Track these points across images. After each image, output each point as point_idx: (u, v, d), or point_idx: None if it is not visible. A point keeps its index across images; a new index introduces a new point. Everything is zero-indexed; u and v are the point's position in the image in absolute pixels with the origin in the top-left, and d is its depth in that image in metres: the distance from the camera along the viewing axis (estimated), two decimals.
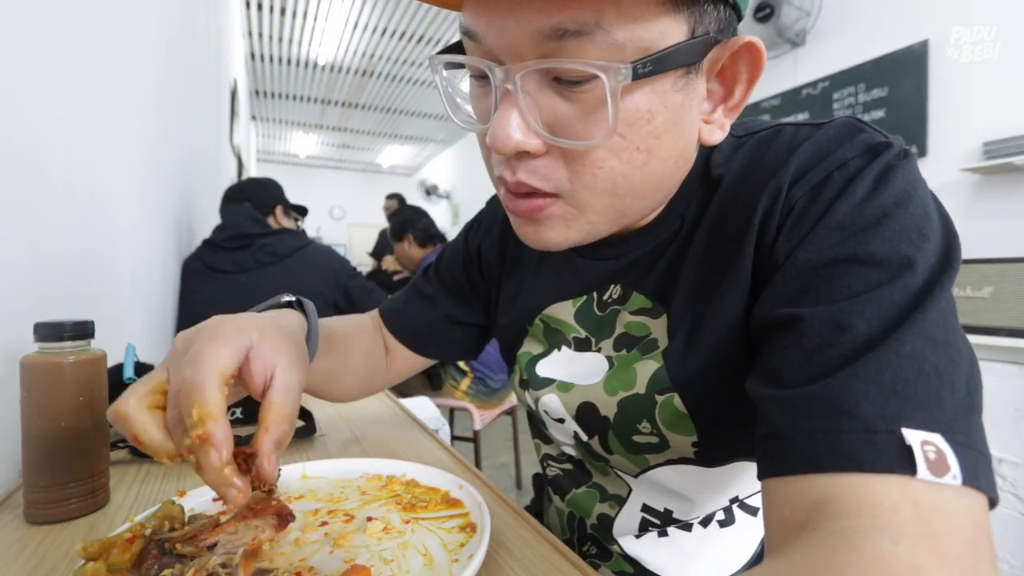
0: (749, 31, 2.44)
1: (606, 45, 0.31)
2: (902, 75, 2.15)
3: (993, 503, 0.26)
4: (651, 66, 0.31)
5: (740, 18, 0.37)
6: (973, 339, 1.60)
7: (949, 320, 0.29)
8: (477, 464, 2.09)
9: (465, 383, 2.03)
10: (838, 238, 0.33)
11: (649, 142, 0.35)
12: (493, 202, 0.65)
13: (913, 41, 2.11)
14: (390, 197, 4.41)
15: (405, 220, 2.41)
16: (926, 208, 0.33)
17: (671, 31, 0.32)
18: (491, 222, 0.63)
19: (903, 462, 0.25)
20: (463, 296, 0.64)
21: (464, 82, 0.41)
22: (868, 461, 0.25)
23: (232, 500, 0.31)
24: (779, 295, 0.34)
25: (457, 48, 0.38)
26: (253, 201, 1.68)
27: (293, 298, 0.50)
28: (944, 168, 2.02)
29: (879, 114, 2.23)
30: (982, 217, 1.92)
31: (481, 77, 0.37)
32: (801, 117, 2.54)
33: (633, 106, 0.33)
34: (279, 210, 1.79)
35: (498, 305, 0.61)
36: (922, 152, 2.08)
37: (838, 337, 0.29)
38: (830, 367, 0.29)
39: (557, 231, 0.39)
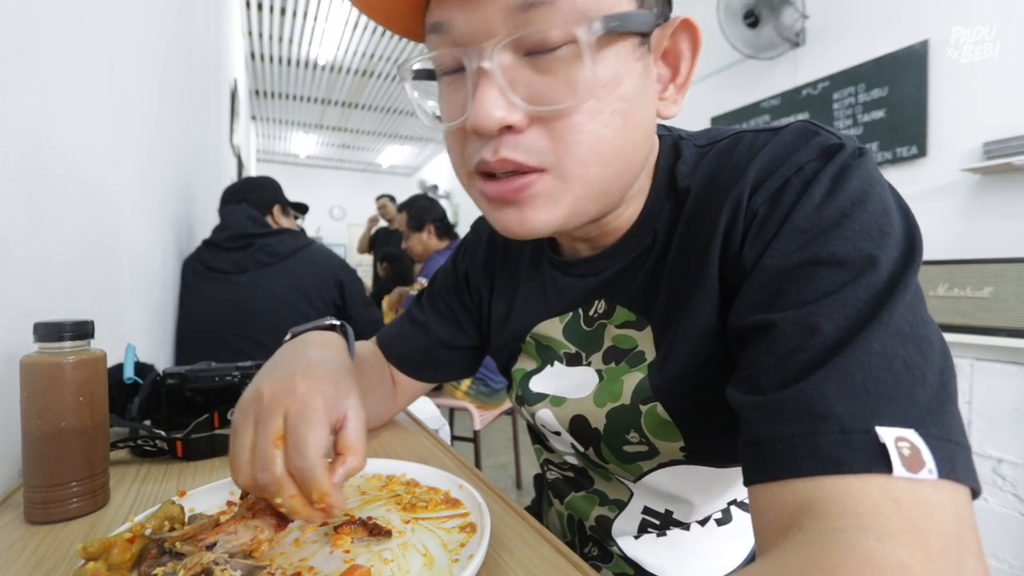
0: (741, 37, 2.44)
1: (570, 11, 0.33)
2: (902, 75, 2.15)
3: (975, 493, 0.26)
4: (617, 22, 0.34)
5: (670, 8, 0.40)
6: (973, 339, 1.61)
7: (917, 312, 0.30)
8: (477, 464, 2.08)
9: (465, 383, 2.03)
10: (801, 241, 0.33)
11: (622, 106, 0.36)
12: (478, 225, 0.65)
13: (913, 41, 2.10)
14: (380, 197, 4.36)
15: (424, 211, 2.34)
16: (885, 204, 0.33)
17: (622, 2, 0.35)
18: (476, 245, 0.63)
19: (879, 461, 0.25)
20: (455, 321, 0.65)
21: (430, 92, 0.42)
22: (846, 462, 0.25)
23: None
24: (751, 302, 0.34)
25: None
26: (250, 201, 1.67)
27: (337, 323, 0.52)
28: (944, 168, 2.02)
29: (879, 114, 2.23)
30: (982, 217, 1.92)
31: (452, 72, 0.38)
32: (801, 117, 2.53)
33: (603, 70, 0.35)
34: (277, 209, 1.77)
35: (490, 326, 0.61)
36: (922, 152, 2.08)
37: (808, 340, 0.30)
38: (802, 371, 0.29)
39: (543, 211, 0.38)
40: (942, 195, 2.01)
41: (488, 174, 0.38)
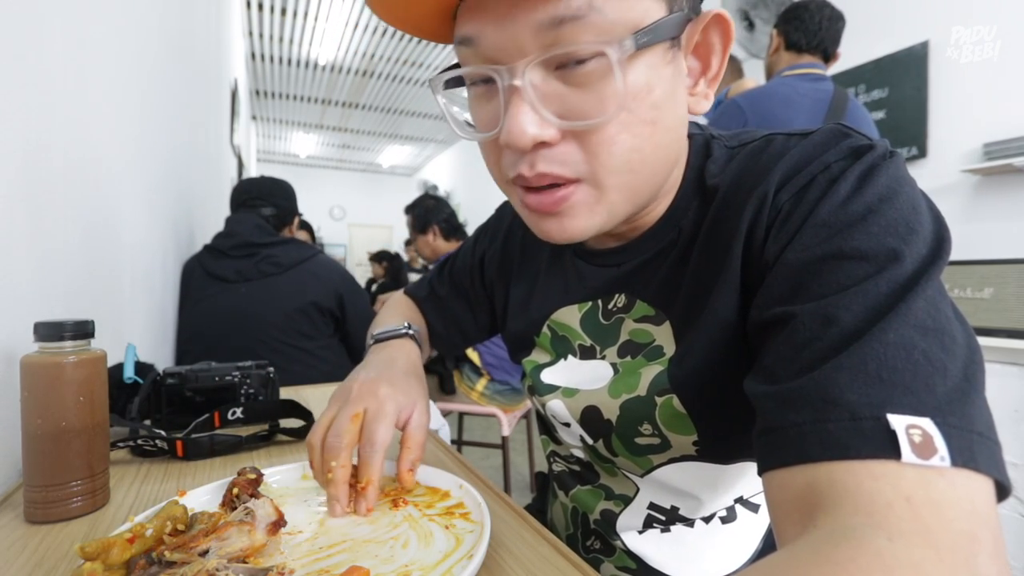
0: (740, 37, 2.44)
1: (601, 25, 0.33)
2: (902, 76, 2.15)
3: (1003, 489, 0.26)
4: (647, 37, 0.34)
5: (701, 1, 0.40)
6: None
7: (940, 307, 0.29)
8: (506, 473, 2.00)
9: (481, 384, 1.97)
10: (824, 235, 0.33)
11: (653, 114, 0.37)
12: (501, 210, 0.67)
13: (913, 42, 2.11)
14: (373, 257, 4.36)
15: (428, 211, 2.26)
16: (914, 203, 0.33)
17: (652, 9, 0.35)
18: (496, 230, 0.65)
19: (888, 447, 0.25)
20: (470, 299, 0.68)
21: (459, 99, 0.43)
22: (853, 448, 0.26)
23: (339, 513, 0.43)
24: (773, 295, 0.35)
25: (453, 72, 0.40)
26: (278, 207, 1.67)
27: (412, 331, 0.62)
28: (944, 169, 2.02)
29: (879, 115, 2.23)
30: (982, 218, 1.92)
31: (482, 83, 0.39)
32: None
33: (634, 81, 0.35)
34: (296, 221, 1.78)
35: (507, 310, 0.63)
36: (922, 153, 2.08)
37: (825, 330, 0.30)
38: (817, 360, 0.29)
39: (581, 218, 0.39)
40: (942, 196, 2.01)
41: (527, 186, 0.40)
